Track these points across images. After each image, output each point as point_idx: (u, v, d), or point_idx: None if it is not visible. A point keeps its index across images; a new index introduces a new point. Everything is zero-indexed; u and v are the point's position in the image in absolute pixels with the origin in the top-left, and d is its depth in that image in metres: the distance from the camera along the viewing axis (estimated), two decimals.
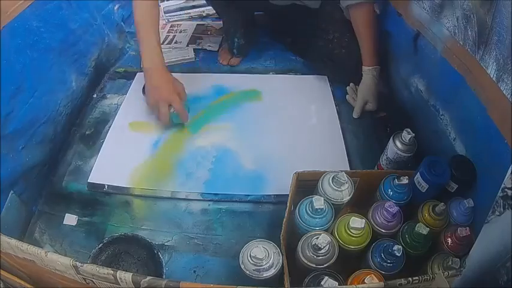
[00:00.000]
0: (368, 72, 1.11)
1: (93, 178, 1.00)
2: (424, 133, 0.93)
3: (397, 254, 0.67)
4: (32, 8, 0.95)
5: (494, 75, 0.66)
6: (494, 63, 0.66)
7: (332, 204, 0.76)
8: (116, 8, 1.42)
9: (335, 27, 1.18)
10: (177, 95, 1.05)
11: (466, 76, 0.76)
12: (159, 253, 0.82)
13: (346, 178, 0.77)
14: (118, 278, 0.55)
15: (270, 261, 0.69)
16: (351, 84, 1.20)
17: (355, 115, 1.15)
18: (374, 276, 0.65)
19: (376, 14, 1.10)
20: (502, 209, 0.47)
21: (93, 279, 0.57)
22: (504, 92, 0.63)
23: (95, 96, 1.26)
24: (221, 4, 1.28)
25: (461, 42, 0.76)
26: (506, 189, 0.47)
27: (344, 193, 0.77)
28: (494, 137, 0.66)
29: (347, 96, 1.20)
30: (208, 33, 1.51)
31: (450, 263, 0.67)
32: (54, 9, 1.05)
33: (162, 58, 1.06)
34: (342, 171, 0.78)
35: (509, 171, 0.46)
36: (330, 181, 0.77)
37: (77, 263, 0.55)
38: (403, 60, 1.09)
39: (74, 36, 1.15)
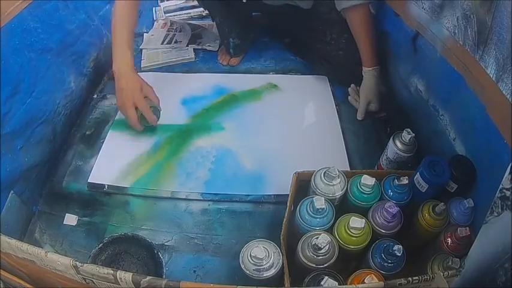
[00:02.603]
0: (369, 73, 1.11)
1: (93, 178, 1.00)
2: (424, 133, 0.93)
3: (398, 254, 0.67)
4: (29, 9, 0.95)
5: (494, 75, 0.66)
6: (494, 63, 0.66)
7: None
8: None
9: (332, 28, 1.18)
10: (142, 97, 1.04)
11: (465, 76, 0.76)
12: (159, 253, 0.82)
13: (337, 172, 0.77)
14: (118, 278, 0.55)
15: (270, 261, 0.69)
16: (352, 85, 1.20)
17: (359, 117, 1.15)
18: (374, 276, 0.65)
19: (372, 14, 1.10)
20: (500, 210, 0.47)
21: (93, 279, 0.57)
22: (504, 91, 0.63)
23: (95, 96, 1.26)
24: (212, 5, 1.27)
25: (461, 42, 0.76)
26: (504, 190, 0.46)
27: (336, 187, 0.77)
28: (493, 136, 0.66)
29: (349, 97, 1.20)
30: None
31: (450, 263, 0.67)
32: (51, 10, 1.05)
33: (131, 60, 1.06)
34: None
35: (507, 171, 0.46)
36: (322, 176, 0.78)
37: (77, 262, 0.55)
38: (402, 61, 1.09)
39: (72, 37, 1.15)
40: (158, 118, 1.08)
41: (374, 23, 1.11)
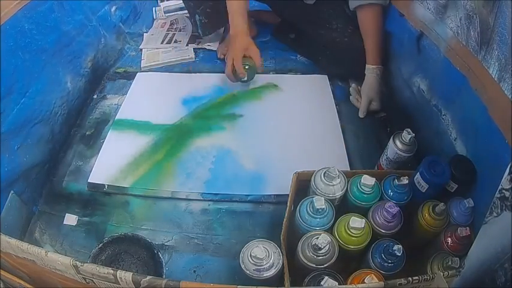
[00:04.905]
0: (372, 71, 1.11)
1: (93, 178, 1.00)
2: (425, 133, 0.93)
3: (398, 254, 0.67)
4: (23, 11, 0.95)
5: (496, 75, 0.66)
6: (496, 63, 0.66)
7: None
8: (112, 9, 1.42)
9: (338, 18, 1.19)
10: (241, 57, 1.15)
11: (468, 76, 0.76)
12: (159, 253, 0.82)
13: (337, 172, 0.77)
14: (118, 278, 0.55)
15: (271, 261, 0.69)
16: (353, 85, 1.20)
17: (361, 115, 1.15)
18: (374, 276, 0.65)
19: (383, 14, 1.10)
20: (499, 210, 0.47)
21: (93, 279, 0.57)
22: (505, 91, 0.63)
23: (95, 96, 1.26)
24: None
25: (463, 43, 0.76)
26: (503, 190, 0.46)
27: (336, 188, 0.77)
28: (495, 136, 0.66)
29: (350, 97, 1.20)
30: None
31: (450, 262, 0.67)
32: (46, 11, 1.05)
33: (243, 27, 1.18)
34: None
35: (507, 172, 0.46)
36: (322, 176, 0.78)
37: (77, 262, 0.55)
38: (406, 60, 1.09)
39: (67, 38, 1.15)
40: (251, 78, 1.21)
41: (383, 23, 1.12)
